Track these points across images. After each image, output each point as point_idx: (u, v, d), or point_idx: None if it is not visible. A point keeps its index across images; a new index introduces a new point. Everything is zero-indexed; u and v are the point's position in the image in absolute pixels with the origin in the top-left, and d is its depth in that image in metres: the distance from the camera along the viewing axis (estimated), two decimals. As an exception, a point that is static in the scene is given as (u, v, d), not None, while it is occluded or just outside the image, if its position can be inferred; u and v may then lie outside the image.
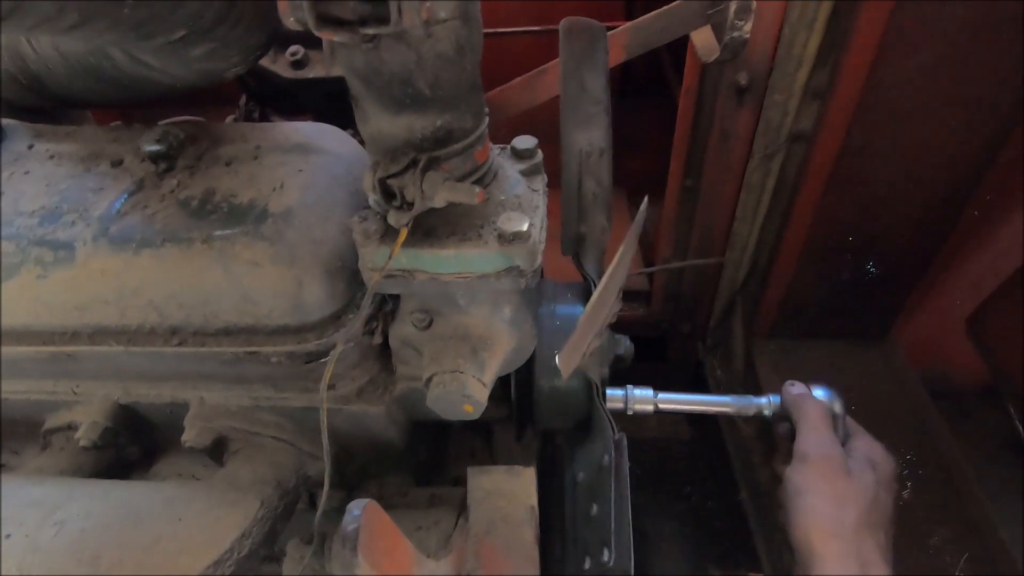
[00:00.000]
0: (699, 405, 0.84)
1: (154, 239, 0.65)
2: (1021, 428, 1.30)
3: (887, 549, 0.69)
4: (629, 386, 0.83)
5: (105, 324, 0.68)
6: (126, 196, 0.68)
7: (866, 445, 0.77)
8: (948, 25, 0.96)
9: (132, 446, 0.79)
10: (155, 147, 0.69)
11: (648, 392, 0.82)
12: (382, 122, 0.54)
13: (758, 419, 0.83)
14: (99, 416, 0.75)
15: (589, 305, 0.59)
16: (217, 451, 0.74)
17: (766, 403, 0.82)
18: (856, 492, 0.70)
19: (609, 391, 0.82)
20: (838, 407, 0.80)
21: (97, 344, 0.68)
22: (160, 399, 0.75)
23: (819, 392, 0.81)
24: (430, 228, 0.59)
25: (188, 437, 0.72)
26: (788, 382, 0.82)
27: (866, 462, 0.74)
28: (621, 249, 0.61)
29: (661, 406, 0.82)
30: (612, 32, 1.07)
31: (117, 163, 0.72)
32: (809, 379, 0.84)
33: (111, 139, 0.76)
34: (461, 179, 0.57)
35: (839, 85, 1.08)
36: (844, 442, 0.77)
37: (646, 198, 0.66)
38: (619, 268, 0.62)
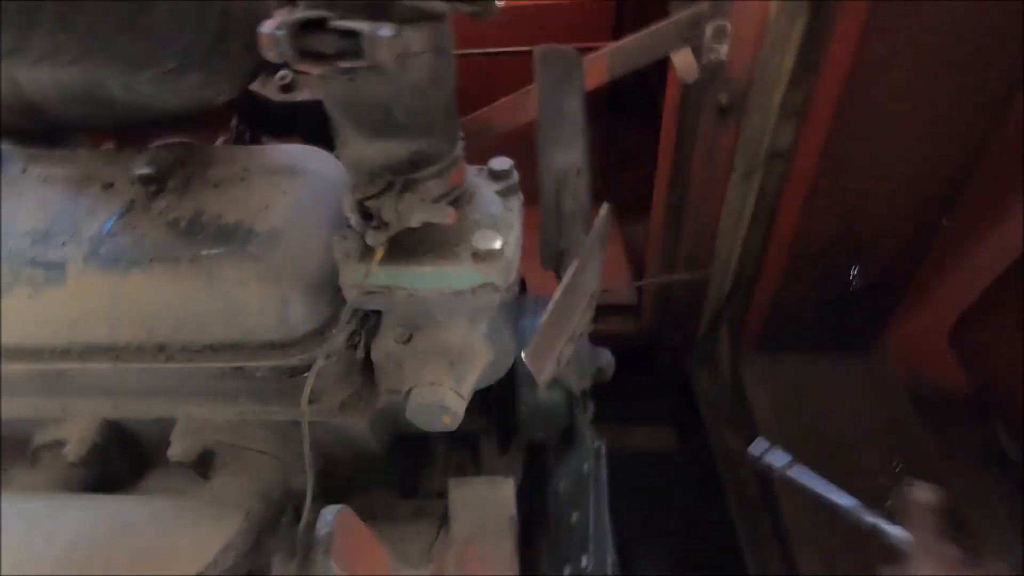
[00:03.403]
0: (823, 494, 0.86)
1: (143, 259, 0.67)
2: (1003, 437, 1.32)
3: None
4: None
5: (95, 342, 0.70)
6: (116, 217, 0.71)
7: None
8: (918, 45, 0.99)
9: (120, 462, 0.80)
10: (145, 170, 0.72)
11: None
12: (360, 147, 0.56)
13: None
14: (88, 432, 0.76)
15: (551, 302, 0.61)
16: (203, 465, 0.76)
17: (889, 530, 0.79)
18: None
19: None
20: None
21: (87, 361, 0.69)
22: (148, 415, 0.77)
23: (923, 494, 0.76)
24: (409, 247, 0.62)
25: (175, 452, 0.74)
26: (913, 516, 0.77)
27: None
28: (583, 249, 0.63)
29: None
30: (594, 55, 1.11)
31: (108, 186, 0.74)
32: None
33: (103, 162, 0.78)
34: (437, 200, 0.60)
35: (814, 104, 1.11)
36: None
37: (605, 203, 0.68)
38: (584, 267, 0.63)
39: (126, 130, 0.84)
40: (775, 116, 1.16)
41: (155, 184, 0.73)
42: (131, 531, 0.66)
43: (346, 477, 0.87)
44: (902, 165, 1.15)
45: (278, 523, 0.77)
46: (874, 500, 1.23)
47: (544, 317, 0.60)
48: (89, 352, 0.70)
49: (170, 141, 0.81)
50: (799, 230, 1.28)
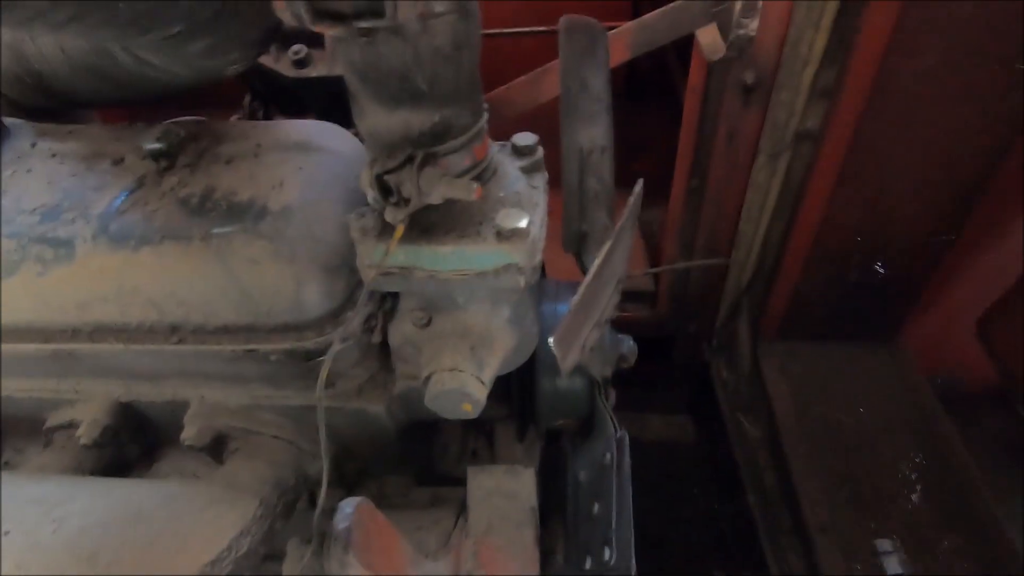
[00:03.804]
0: None
1: (153, 236, 0.65)
2: (1031, 430, 1.28)
3: None
4: None
5: (105, 322, 0.68)
6: (126, 194, 0.69)
7: None
8: (955, 26, 0.95)
9: (133, 444, 0.79)
10: (156, 145, 0.69)
11: None
12: (379, 118, 0.53)
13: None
14: (100, 414, 0.75)
15: (582, 285, 0.58)
16: (217, 450, 0.74)
17: None
18: None
19: None
20: None
21: (97, 342, 0.68)
22: (160, 397, 0.75)
23: None
24: (429, 225, 0.59)
25: (188, 435, 0.72)
26: None
27: None
28: (616, 229, 0.60)
29: None
30: (616, 31, 1.07)
31: (118, 161, 0.72)
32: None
33: (113, 138, 0.76)
34: (459, 175, 0.57)
35: (847, 84, 1.07)
36: None
37: (640, 180, 0.65)
38: (615, 250, 0.60)
39: (136, 105, 0.81)
40: (804, 96, 1.12)
41: (166, 160, 0.70)
42: (143, 516, 0.64)
43: (360, 463, 0.85)
44: (933, 151, 1.11)
45: (292, 509, 0.75)
46: (893, 494, 1.20)
47: (573, 301, 0.58)
48: (99, 332, 0.68)
49: (181, 118, 0.79)
50: (825, 216, 1.25)
